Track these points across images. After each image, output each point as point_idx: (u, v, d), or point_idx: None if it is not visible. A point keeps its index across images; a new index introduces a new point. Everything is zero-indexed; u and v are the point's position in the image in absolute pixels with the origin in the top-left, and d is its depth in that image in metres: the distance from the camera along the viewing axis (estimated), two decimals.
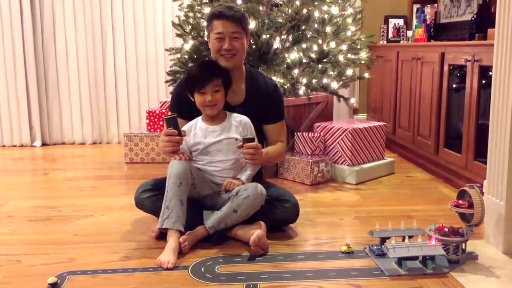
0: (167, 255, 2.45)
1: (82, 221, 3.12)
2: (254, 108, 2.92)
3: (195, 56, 4.06)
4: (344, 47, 4.22)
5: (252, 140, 2.72)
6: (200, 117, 2.87)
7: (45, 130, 5.50)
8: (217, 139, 2.79)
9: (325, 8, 4.13)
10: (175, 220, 2.56)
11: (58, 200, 3.55)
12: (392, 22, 5.58)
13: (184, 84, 2.86)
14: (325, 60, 4.06)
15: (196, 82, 2.76)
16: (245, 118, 2.84)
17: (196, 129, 2.83)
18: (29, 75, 5.32)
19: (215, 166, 2.80)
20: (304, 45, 4.06)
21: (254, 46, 3.86)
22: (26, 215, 3.23)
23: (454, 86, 3.80)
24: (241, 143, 2.73)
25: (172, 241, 2.53)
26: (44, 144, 5.48)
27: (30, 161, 4.90)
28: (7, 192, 3.78)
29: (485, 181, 2.71)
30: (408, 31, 5.39)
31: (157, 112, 4.72)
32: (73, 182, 4.01)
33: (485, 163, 2.71)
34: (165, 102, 4.87)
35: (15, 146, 5.45)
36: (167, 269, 2.40)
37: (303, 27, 4.07)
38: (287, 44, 4.17)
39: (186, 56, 4.17)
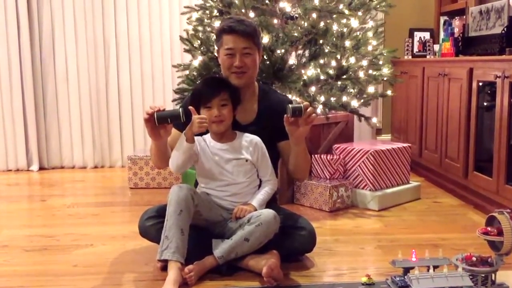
0: None
1: (82, 250, 3.16)
2: (267, 127, 2.94)
3: (204, 73, 4.09)
4: (364, 62, 4.24)
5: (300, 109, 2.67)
6: (207, 135, 2.89)
7: (43, 153, 5.53)
8: None
9: (344, 21, 4.17)
10: (174, 251, 2.57)
11: (56, 228, 3.59)
12: (418, 35, 5.63)
13: (190, 101, 2.89)
14: (344, 76, 4.07)
15: (202, 97, 2.81)
16: (256, 138, 2.88)
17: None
18: (26, 94, 5.35)
19: (224, 190, 2.83)
20: (321, 61, 4.09)
21: (267, 62, 3.90)
22: (22, 244, 3.27)
23: (484, 104, 3.83)
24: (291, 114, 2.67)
25: (172, 273, 2.53)
26: (41, 168, 5.51)
27: (27, 187, 4.96)
28: (2, 221, 3.82)
29: None
30: (435, 45, 5.41)
31: None
32: (72, 209, 4.06)
33: None
34: None
35: (10, 170, 5.48)
36: None
37: (321, 42, 4.10)
38: (304, 60, 4.21)
39: (194, 73, 4.20)
